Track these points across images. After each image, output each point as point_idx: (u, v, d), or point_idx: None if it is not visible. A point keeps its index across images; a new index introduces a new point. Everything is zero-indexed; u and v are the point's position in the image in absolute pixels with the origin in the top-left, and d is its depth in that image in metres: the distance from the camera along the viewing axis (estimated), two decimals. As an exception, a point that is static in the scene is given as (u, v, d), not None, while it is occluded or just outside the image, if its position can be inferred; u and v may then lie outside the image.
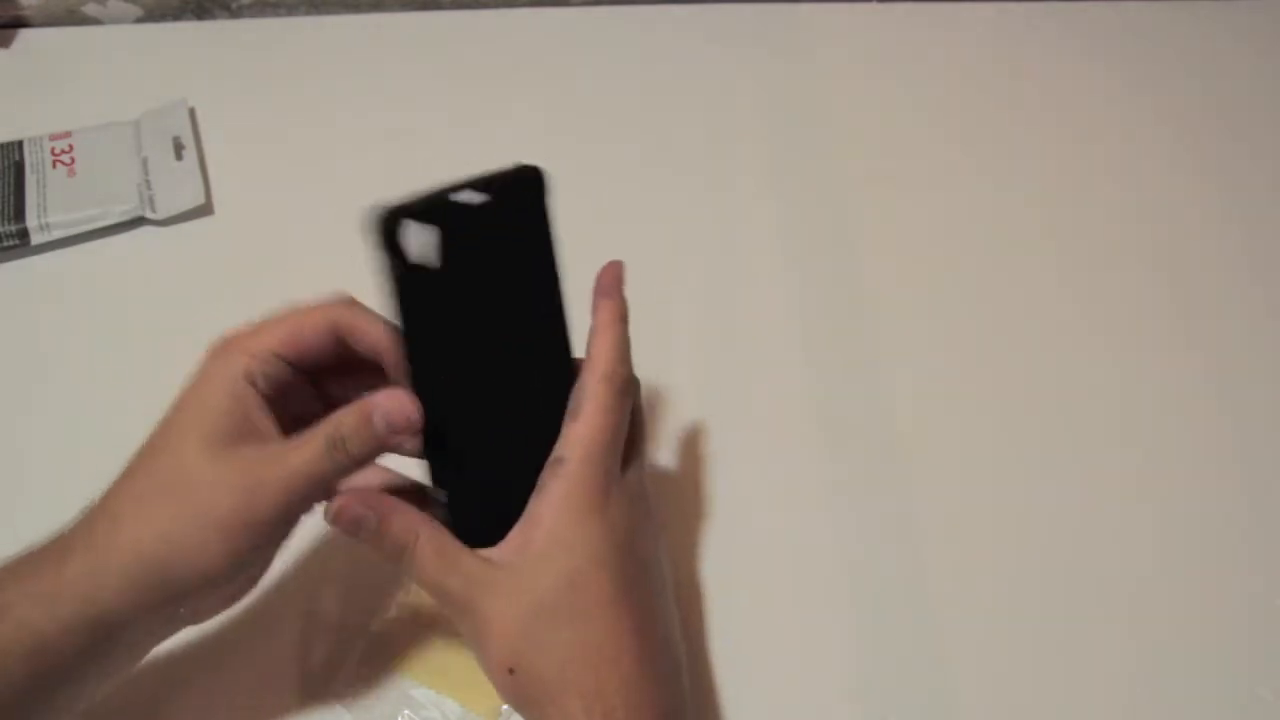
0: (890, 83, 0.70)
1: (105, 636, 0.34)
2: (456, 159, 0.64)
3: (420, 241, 0.35)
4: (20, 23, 0.71)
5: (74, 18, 0.71)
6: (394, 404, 0.35)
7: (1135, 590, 0.48)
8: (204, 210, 0.60)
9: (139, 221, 0.60)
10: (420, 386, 0.35)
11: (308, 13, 0.73)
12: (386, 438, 0.35)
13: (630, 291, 0.58)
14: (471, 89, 0.68)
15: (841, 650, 0.45)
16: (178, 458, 0.35)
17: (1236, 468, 0.52)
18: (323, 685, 0.41)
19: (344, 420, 0.35)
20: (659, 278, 0.59)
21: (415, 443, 0.36)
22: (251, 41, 0.71)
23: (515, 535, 0.36)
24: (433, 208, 0.36)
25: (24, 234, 0.57)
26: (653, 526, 0.39)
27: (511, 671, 0.35)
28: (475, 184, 0.38)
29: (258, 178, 0.63)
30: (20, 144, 0.62)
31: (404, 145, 0.65)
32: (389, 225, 0.35)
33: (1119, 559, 0.48)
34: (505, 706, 0.42)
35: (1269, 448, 0.53)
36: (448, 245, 0.36)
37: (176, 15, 0.72)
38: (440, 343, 0.36)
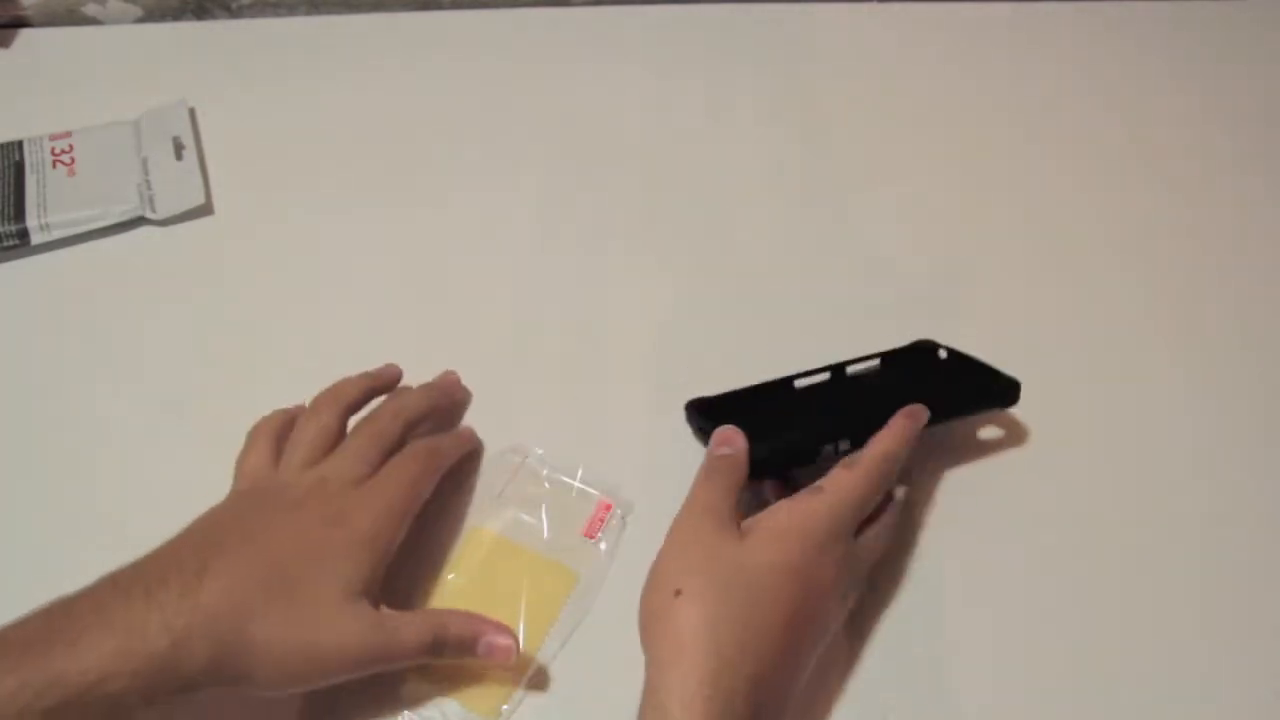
0: (890, 83, 0.70)
1: (170, 698, 0.36)
2: (457, 159, 0.64)
3: None
4: (20, 23, 0.71)
5: (74, 18, 0.71)
6: (503, 641, 0.41)
7: (1135, 590, 0.48)
8: (204, 210, 0.60)
9: (139, 221, 0.60)
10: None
11: (308, 13, 0.73)
12: (480, 657, 0.42)
13: (626, 291, 0.58)
14: (471, 89, 0.69)
15: (841, 650, 0.45)
16: (317, 606, 0.39)
17: (1237, 467, 0.52)
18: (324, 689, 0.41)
19: (451, 630, 0.41)
20: (655, 277, 0.59)
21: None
22: (251, 41, 0.71)
23: (768, 513, 0.42)
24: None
25: (24, 234, 0.57)
26: (851, 589, 0.43)
27: (678, 593, 0.38)
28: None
29: (258, 178, 0.63)
30: (20, 144, 0.62)
31: (404, 145, 0.65)
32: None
33: (1119, 559, 0.48)
34: (505, 706, 0.42)
35: (1269, 447, 0.53)
36: None
37: (176, 15, 0.72)
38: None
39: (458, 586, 0.46)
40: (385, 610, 0.40)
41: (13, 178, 0.60)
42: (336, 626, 0.39)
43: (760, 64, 0.71)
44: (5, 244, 0.57)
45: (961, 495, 0.50)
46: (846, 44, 0.72)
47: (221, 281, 0.58)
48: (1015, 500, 0.50)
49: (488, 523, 0.48)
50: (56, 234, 0.58)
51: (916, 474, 0.50)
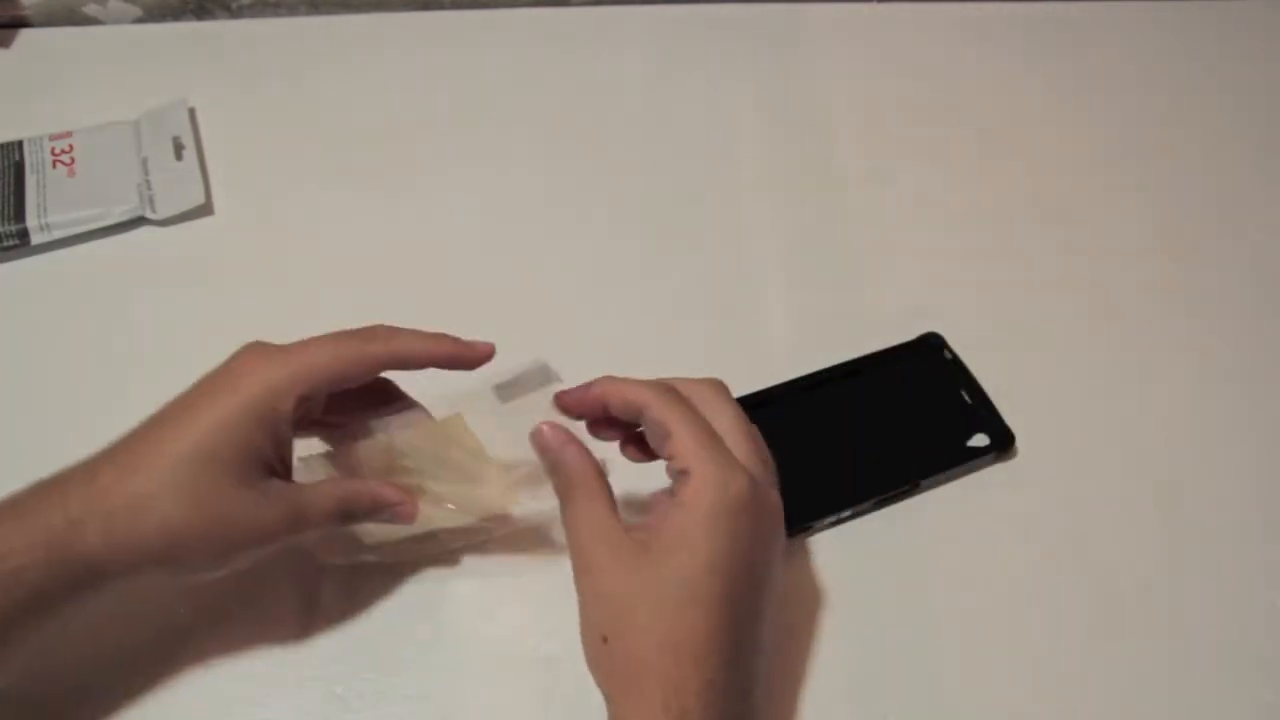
0: (890, 83, 0.70)
1: (94, 593, 0.37)
2: (457, 158, 0.64)
3: None
4: (20, 23, 0.71)
5: (74, 18, 0.71)
6: (405, 509, 0.42)
7: (1135, 590, 0.48)
8: (204, 210, 0.60)
9: (139, 221, 0.60)
10: None
11: (308, 13, 0.73)
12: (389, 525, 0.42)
13: (626, 291, 0.58)
14: (471, 89, 0.69)
15: (842, 650, 0.45)
16: (214, 477, 0.38)
17: (1236, 467, 0.52)
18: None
19: (359, 501, 0.41)
20: (655, 277, 0.59)
21: None
22: (251, 41, 0.71)
23: (657, 515, 0.39)
24: None
25: (24, 234, 0.57)
26: (779, 539, 0.40)
27: (605, 640, 0.37)
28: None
29: (258, 178, 0.63)
30: (20, 144, 0.62)
31: (404, 145, 0.65)
32: None
33: (1118, 559, 0.48)
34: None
35: (1270, 445, 0.53)
36: None
37: (176, 15, 0.72)
38: None
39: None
40: (290, 484, 0.40)
41: (13, 178, 0.60)
42: (234, 498, 0.38)
43: (760, 64, 0.71)
44: (5, 244, 0.57)
45: (961, 495, 0.50)
46: (846, 44, 0.72)
47: (221, 281, 0.58)
48: (1012, 500, 0.50)
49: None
50: (56, 234, 0.58)
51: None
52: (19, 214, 0.58)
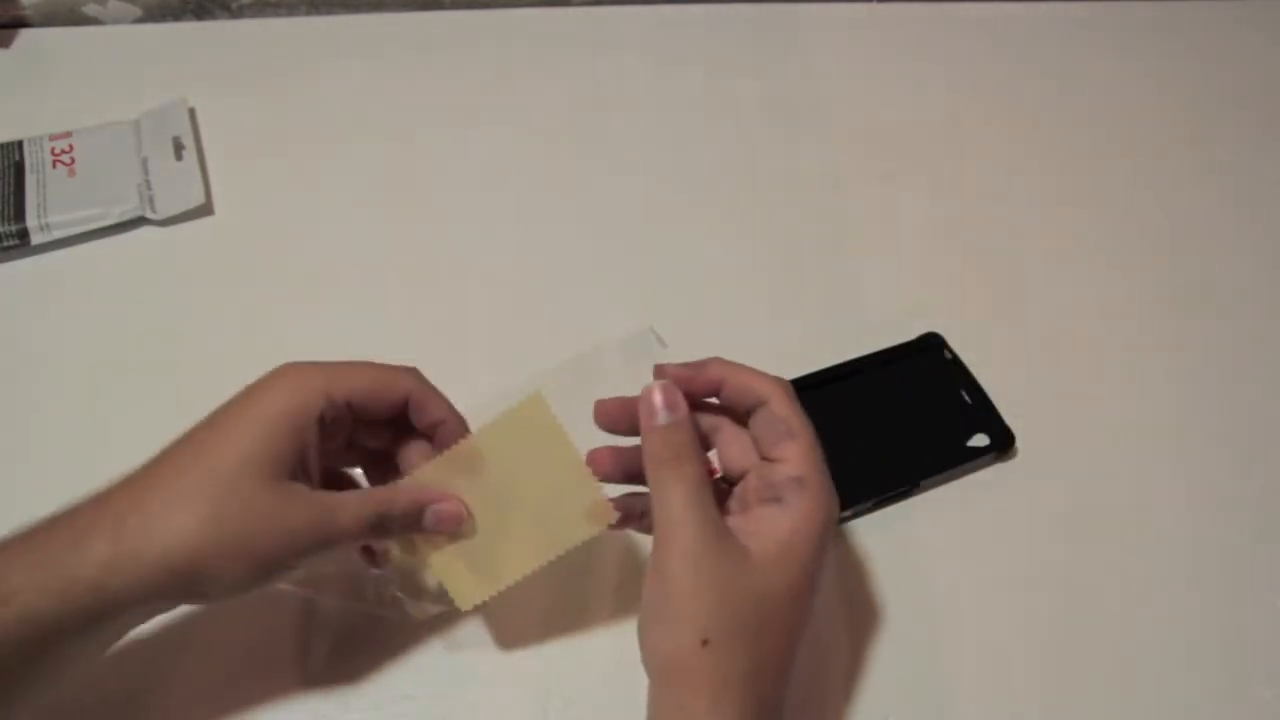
0: (890, 83, 0.70)
1: (109, 623, 0.35)
2: (456, 158, 0.64)
3: None
4: (20, 23, 0.71)
5: (74, 18, 0.71)
6: (448, 507, 0.39)
7: (1135, 589, 0.48)
8: (204, 210, 0.60)
9: (139, 221, 0.60)
10: None
11: (308, 13, 0.73)
12: (429, 532, 0.39)
13: (627, 291, 0.58)
14: (471, 89, 0.69)
15: (842, 651, 0.45)
16: (234, 481, 0.35)
17: (1236, 467, 0.52)
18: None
19: (396, 505, 0.38)
20: (656, 277, 0.59)
21: None
22: (251, 41, 0.71)
23: (754, 517, 0.37)
24: None
25: (24, 234, 0.57)
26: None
27: (705, 643, 0.35)
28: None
29: (258, 178, 0.63)
30: (20, 144, 0.62)
31: (404, 145, 0.65)
32: None
33: (1118, 559, 0.48)
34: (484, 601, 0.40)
35: (1269, 446, 0.53)
36: None
37: (176, 15, 0.72)
38: None
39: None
40: (319, 491, 0.37)
41: (13, 178, 0.60)
42: (255, 502, 0.35)
43: (760, 64, 0.71)
44: (5, 244, 0.57)
45: (960, 495, 0.50)
46: (846, 44, 0.72)
47: (221, 281, 0.58)
48: (1011, 500, 0.50)
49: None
50: (56, 234, 0.58)
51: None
52: (19, 214, 0.58)
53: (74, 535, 0.34)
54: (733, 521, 0.37)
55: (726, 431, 0.40)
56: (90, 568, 0.34)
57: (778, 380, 0.39)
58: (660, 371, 0.39)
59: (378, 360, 0.40)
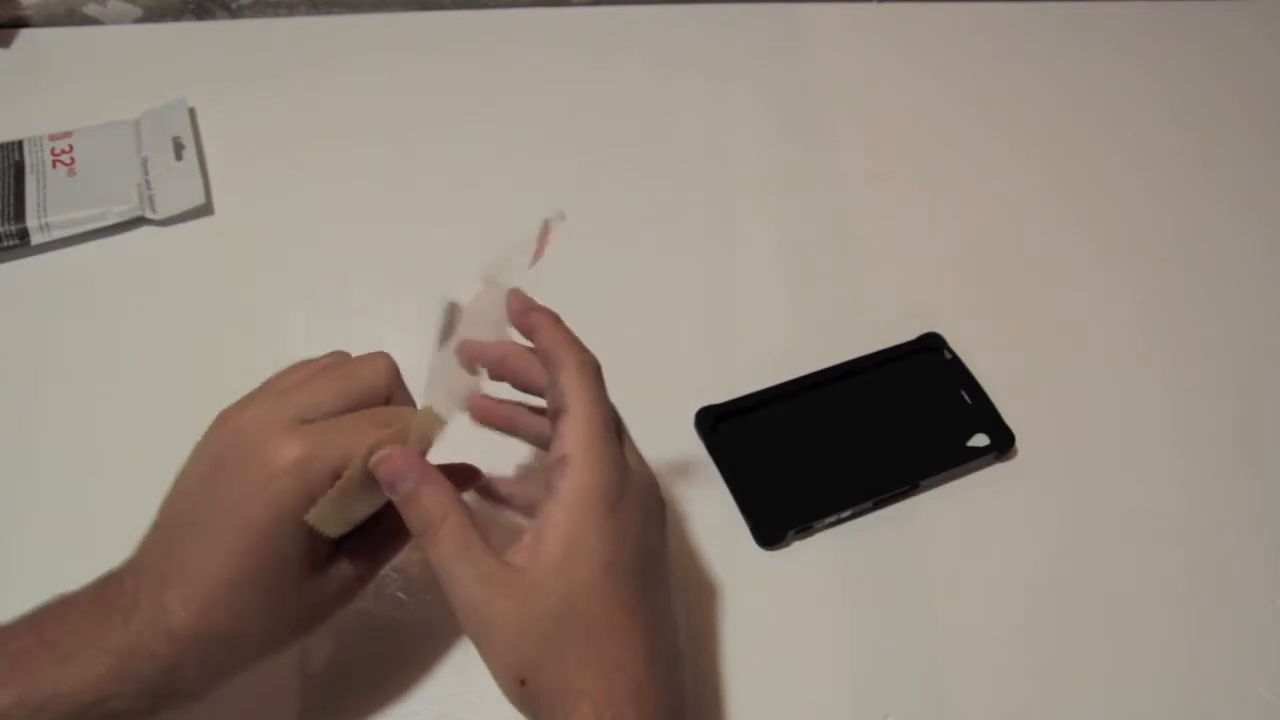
0: (890, 83, 0.70)
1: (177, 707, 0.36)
2: (456, 158, 0.64)
3: None
4: (20, 23, 0.71)
5: (74, 18, 0.71)
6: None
7: (1135, 590, 0.48)
8: (204, 210, 0.60)
9: (139, 221, 0.60)
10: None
11: (308, 13, 0.73)
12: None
13: (628, 291, 0.58)
14: (471, 89, 0.69)
15: (842, 650, 0.45)
16: (280, 587, 0.36)
17: (1236, 468, 0.52)
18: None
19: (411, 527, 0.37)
20: (657, 277, 0.59)
21: None
22: (251, 41, 0.71)
23: (529, 538, 0.35)
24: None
25: (24, 234, 0.57)
26: (661, 512, 0.39)
27: (523, 683, 0.34)
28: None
29: (258, 178, 0.63)
30: (20, 144, 0.62)
31: (404, 145, 0.65)
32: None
33: (1118, 559, 0.48)
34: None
35: (1269, 446, 0.53)
36: None
37: (176, 15, 0.72)
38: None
39: None
40: (339, 562, 0.38)
41: (13, 178, 0.60)
42: (305, 597, 0.37)
43: (760, 64, 0.71)
44: (5, 244, 0.57)
45: (960, 495, 0.50)
46: (846, 44, 0.72)
47: (221, 281, 0.58)
48: (1010, 501, 0.50)
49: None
50: (56, 234, 0.58)
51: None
52: (19, 214, 0.58)
53: (152, 656, 0.35)
54: (527, 535, 0.36)
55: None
56: (180, 685, 0.35)
57: (575, 351, 0.38)
58: (460, 346, 0.40)
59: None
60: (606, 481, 0.35)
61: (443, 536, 0.35)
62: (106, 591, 0.36)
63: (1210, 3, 0.75)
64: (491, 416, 0.42)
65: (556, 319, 0.39)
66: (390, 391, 0.39)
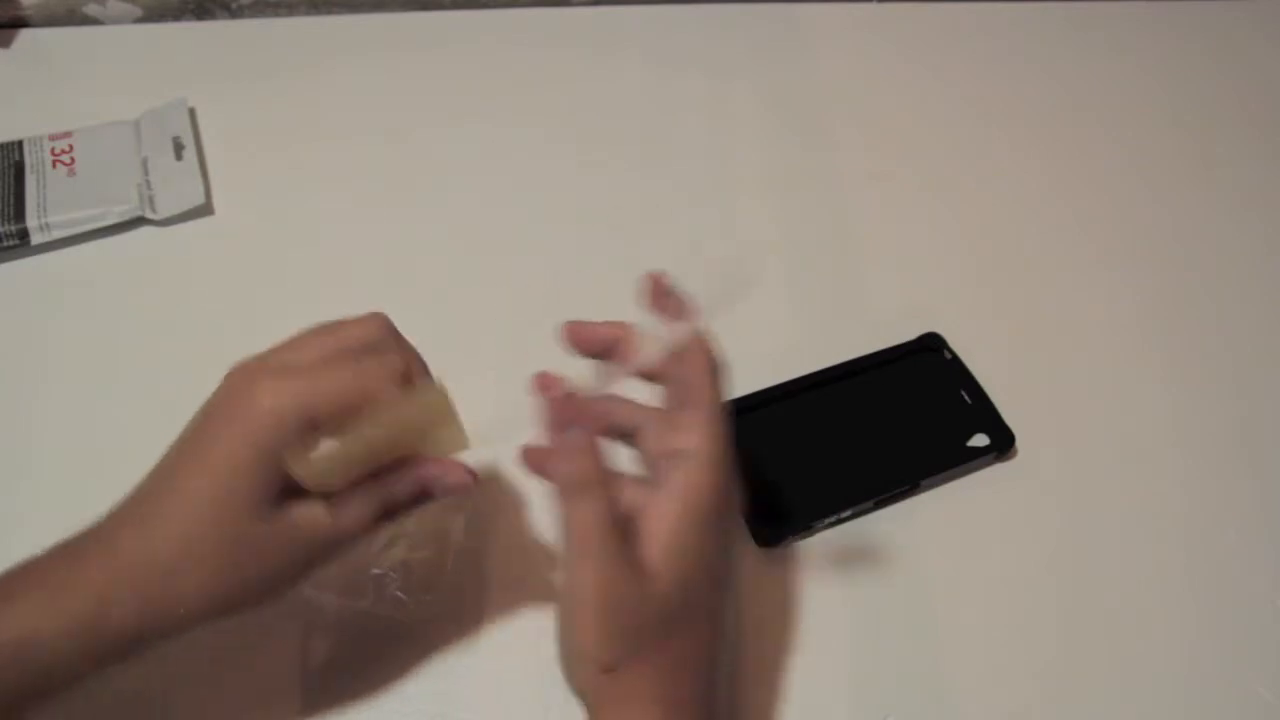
0: (890, 83, 0.70)
1: (129, 654, 0.35)
2: (456, 158, 0.64)
3: None
4: (20, 23, 0.71)
5: (74, 18, 0.71)
6: (454, 476, 0.37)
7: (1135, 590, 0.48)
8: (204, 210, 0.60)
9: (139, 221, 0.60)
10: None
11: (308, 13, 0.73)
12: (442, 496, 0.37)
13: (625, 290, 0.58)
14: (472, 89, 0.69)
15: (842, 650, 0.45)
16: (233, 515, 0.35)
17: (1236, 468, 0.52)
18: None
19: (398, 491, 0.37)
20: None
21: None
22: (251, 41, 0.71)
23: (654, 520, 0.35)
24: None
25: (24, 234, 0.57)
26: (731, 521, 0.39)
27: (609, 670, 0.34)
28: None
29: (258, 178, 0.63)
30: (20, 144, 0.62)
31: (404, 145, 0.65)
32: None
33: (1118, 559, 0.48)
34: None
35: (1269, 446, 0.53)
36: None
37: (176, 15, 0.72)
38: None
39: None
40: (313, 502, 0.36)
41: (13, 178, 0.60)
42: (264, 539, 0.35)
43: (760, 64, 0.71)
44: (5, 244, 0.57)
45: (960, 495, 0.50)
46: (846, 44, 0.72)
47: (221, 281, 0.58)
48: (1015, 500, 0.50)
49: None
50: (56, 234, 0.58)
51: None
52: (19, 214, 0.58)
53: (93, 590, 0.34)
54: (635, 519, 0.35)
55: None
56: (118, 623, 0.34)
57: (711, 350, 0.37)
58: (567, 330, 0.39)
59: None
60: (720, 484, 0.36)
61: (590, 502, 0.35)
62: (68, 541, 0.36)
63: (1210, 3, 0.75)
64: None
65: (695, 310, 0.38)
66: (386, 349, 0.38)
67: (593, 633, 0.34)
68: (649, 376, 0.39)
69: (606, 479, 0.35)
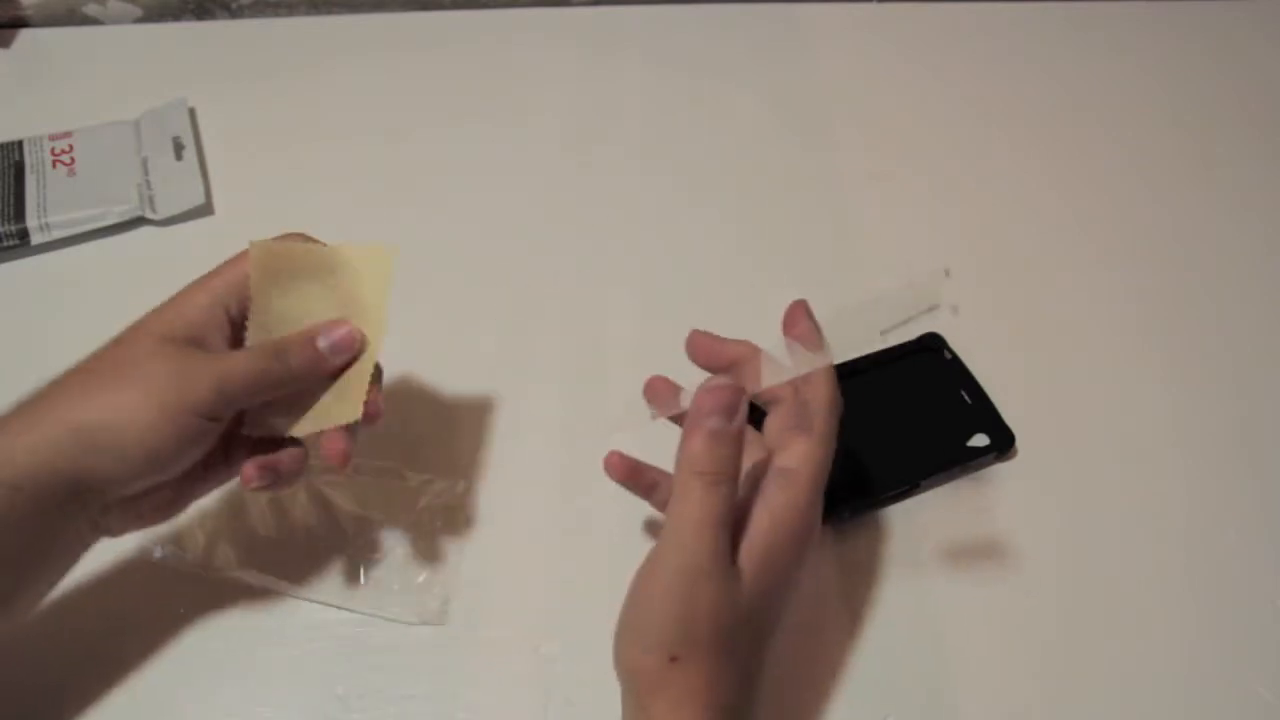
0: (890, 83, 0.70)
1: (24, 513, 0.35)
2: (456, 159, 0.64)
3: None
4: (20, 23, 0.71)
5: (74, 18, 0.71)
6: (339, 330, 0.40)
7: (1135, 590, 0.48)
8: (204, 210, 0.60)
9: (139, 221, 0.60)
10: None
11: (308, 13, 0.73)
12: (328, 356, 0.40)
13: (628, 291, 0.58)
14: (472, 89, 0.69)
15: (842, 650, 0.45)
16: (130, 348, 0.38)
17: (1236, 468, 0.52)
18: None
19: (289, 338, 0.40)
20: (656, 277, 0.59)
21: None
22: (251, 41, 0.71)
23: (740, 539, 0.36)
24: None
25: (24, 234, 0.57)
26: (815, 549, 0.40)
27: (674, 660, 0.34)
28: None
29: (258, 178, 0.63)
30: (20, 144, 0.62)
31: (404, 145, 0.65)
32: None
33: (1118, 559, 0.48)
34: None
35: (1269, 446, 0.53)
36: None
37: (176, 15, 0.72)
38: None
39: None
40: (210, 352, 0.38)
41: (13, 178, 0.60)
42: (159, 382, 0.36)
43: (760, 64, 0.71)
44: (5, 244, 0.57)
45: (961, 495, 0.50)
46: (846, 44, 0.72)
47: (221, 281, 0.58)
48: (1015, 500, 0.50)
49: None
50: (56, 234, 0.58)
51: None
52: (19, 214, 0.58)
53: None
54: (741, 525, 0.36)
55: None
56: (40, 484, 0.35)
57: (835, 384, 0.39)
58: (692, 339, 0.41)
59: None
60: (813, 504, 0.37)
61: (722, 492, 0.35)
62: (31, 396, 0.38)
63: (1210, 3, 0.75)
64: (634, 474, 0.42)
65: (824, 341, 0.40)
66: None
67: (674, 616, 0.34)
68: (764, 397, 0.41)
69: (737, 474, 0.36)
